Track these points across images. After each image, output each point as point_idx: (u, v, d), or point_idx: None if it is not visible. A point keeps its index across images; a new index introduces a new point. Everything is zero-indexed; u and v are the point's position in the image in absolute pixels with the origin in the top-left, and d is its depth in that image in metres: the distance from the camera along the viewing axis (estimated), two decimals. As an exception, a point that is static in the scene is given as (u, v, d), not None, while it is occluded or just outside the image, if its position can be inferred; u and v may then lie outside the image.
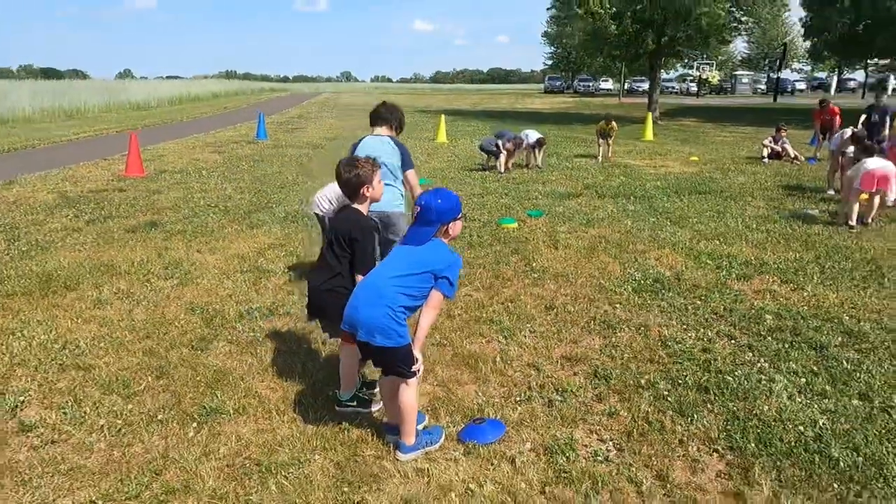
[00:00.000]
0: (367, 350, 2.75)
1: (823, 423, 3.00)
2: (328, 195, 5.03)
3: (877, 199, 7.02)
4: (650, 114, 15.73)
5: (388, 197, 4.03)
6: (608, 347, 3.93)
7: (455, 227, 2.81)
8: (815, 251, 6.03)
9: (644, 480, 2.61)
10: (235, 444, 2.94)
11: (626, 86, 53.05)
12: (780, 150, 12.53)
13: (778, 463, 2.71)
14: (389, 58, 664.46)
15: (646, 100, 25.44)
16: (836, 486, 2.56)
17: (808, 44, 34.57)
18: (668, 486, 2.58)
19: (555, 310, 4.56)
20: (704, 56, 36.84)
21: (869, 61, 32.00)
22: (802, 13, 28.19)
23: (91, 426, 3.07)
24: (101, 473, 2.70)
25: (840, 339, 3.99)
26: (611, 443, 2.91)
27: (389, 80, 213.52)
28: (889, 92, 44.82)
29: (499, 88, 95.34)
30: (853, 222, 6.90)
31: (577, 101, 41.32)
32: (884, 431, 2.94)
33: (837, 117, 12.37)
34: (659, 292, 4.90)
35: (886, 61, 24.68)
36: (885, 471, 2.63)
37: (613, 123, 12.74)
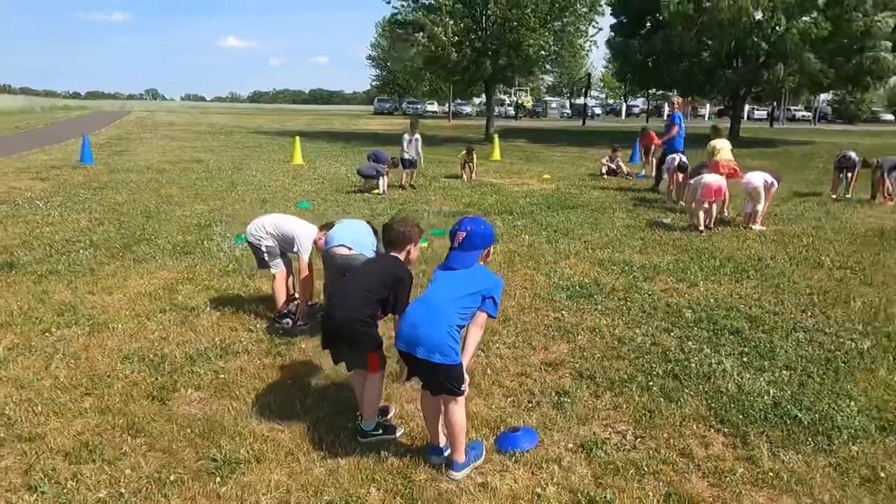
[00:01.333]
0: (422, 368, 2.79)
1: (774, 392, 3.65)
2: (265, 226, 4.82)
3: (714, 207, 8.45)
4: (496, 135, 17.01)
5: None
6: (577, 350, 4.30)
7: (491, 252, 3.00)
8: (687, 253, 7.09)
9: (675, 460, 2.98)
10: (276, 491, 2.75)
11: (452, 108, 55.91)
12: (615, 167, 14.34)
13: (762, 428, 3.25)
14: (200, 76, 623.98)
15: (470, 122, 27.19)
16: (809, 440, 3.15)
17: (610, 73, 39.85)
18: (695, 460, 2.98)
19: (511, 320, 4.84)
20: (520, 83, 40.57)
21: (659, 91, 37.96)
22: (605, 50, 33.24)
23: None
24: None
25: (747, 324, 4.82)
26: (629, 433, 3.24)
27: (203, 99, 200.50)
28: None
29: (328, 109, 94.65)
30: (701, 227, 8.22)
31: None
32: (818, 392, 3.66)
33: (655, 139, 14.49)
34: (590, 297, 5.43)
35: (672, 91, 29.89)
36: (836, 421, 3.30)
37: (474, 154, 13.68)
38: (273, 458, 3.00)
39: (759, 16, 21.98)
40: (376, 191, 11.37)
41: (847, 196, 11.10)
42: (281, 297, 4.85)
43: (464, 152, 13.68)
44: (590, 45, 24.64)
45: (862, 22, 21.45)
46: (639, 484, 2.79)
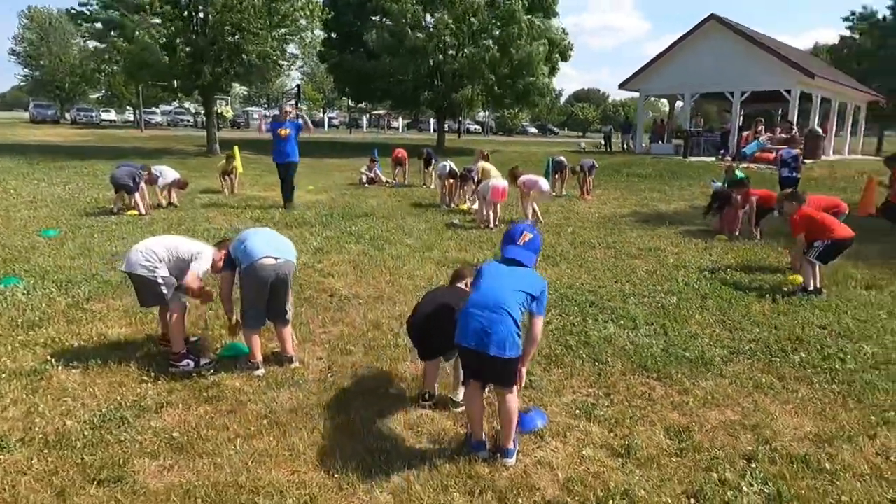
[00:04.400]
0: (488, 364, 2.94)
1: (656, 342, 4.71)
2: (156, 252, 4.09)
3: (499, 206, 9.81)
4: (237, 146, 16.00)
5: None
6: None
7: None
8: (497, 248, 8.14)
9: (645, 405, 3.71)
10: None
11: (141, 117, 49.62)
12: (374, 176, 15.07)
13: (673, 368, 4.22)
14: None
15: (165, 132, 24.98)
16: (703, 370, 4.24)
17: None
18: (656, 400, 3.76)
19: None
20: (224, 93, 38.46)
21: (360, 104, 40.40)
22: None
23: None
24: None
25: (593, 297, 5.93)
26: (599, 394, 3.87)
27: None
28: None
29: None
30: (493, 225, 9.46)
31: (94, 133, 36.52)
32: (680, 336, 4.84)
33: (404, 154, 15.62)
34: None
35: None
36: (705, 356, 4.47)
37: (234, 163, 12.91)
38: (330, 499, 2.76)
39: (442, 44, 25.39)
40: (132, 211, 9.86)
41: (564, 193, 13.86)
42: (180, 336, 4.14)
43: (223, 161, 12.77)
44: (304, 56, 24.90)
45: (524, 50, 26.47)
46: (640, 426, 3.44)
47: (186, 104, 55.73)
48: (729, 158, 20.71)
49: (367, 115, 62.93)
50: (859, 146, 30.96)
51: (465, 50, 25.71)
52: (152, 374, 3.98)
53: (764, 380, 4.07)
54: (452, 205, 11.86)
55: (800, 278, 6.58)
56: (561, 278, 6.61)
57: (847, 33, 39.14)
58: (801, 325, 5.17)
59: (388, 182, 15.14)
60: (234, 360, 4.22)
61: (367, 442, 3.24)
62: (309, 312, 5.26)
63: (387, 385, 3.95)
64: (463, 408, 3.55)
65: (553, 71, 28.77)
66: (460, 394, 3.59)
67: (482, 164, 11.28)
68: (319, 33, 28.22)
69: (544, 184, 10.09)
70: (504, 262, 3.17)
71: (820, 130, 23.00)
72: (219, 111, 52.87)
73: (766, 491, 2.85)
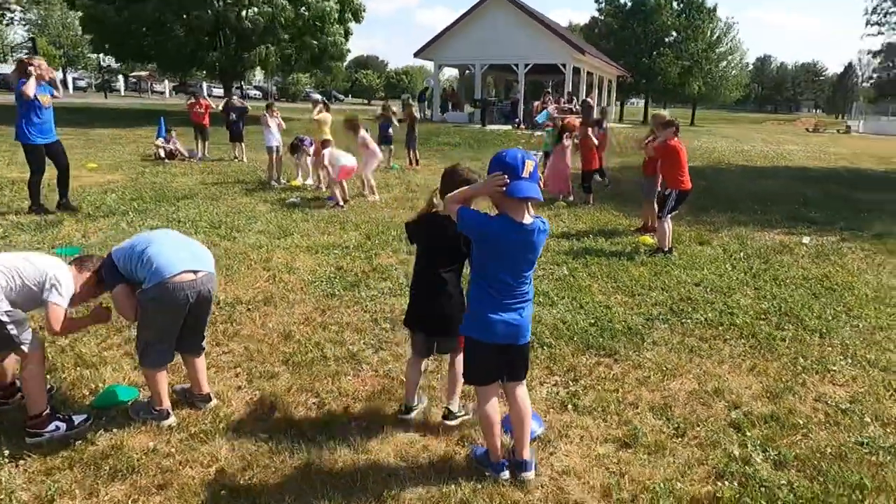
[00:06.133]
0: (516, 356, 2.71)
1: (586, 319, 4.75)
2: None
3: (346, 184, 9.14)
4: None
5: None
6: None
7: None
8: (359, 229, 7.55)
9: (617, 379, 3.68)
10: None
11: None
12: (174, 150, 12.99)
13: (617, 343, 4.28)
14: None
15: None
16: (641, 341, 4.38)
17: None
18: (620, 375, 3.76)
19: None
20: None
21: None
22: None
23: None
24: None
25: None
26: (571, 378, 3.74)
27: None
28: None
29: None
30: (342, 203, 8.78)
31: None
32: (602, 312, 4.95)
33: (207, 116, 13.74)
34: (364, 282, 5.35)
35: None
36: (634, 328, 4.64)
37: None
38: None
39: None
40: None
41: (393, 166, 13.53)
42: (41, 391, 2.97)
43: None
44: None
45: (316, 7, 25.03)
46: (627, 411, 3.39)
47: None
48: (523, 126, 22.35)
49: (124, 77, 54.52)
50: (612, 115, 35.93)
51: (254, 6, 23.35)
52: (4, 455, 2.79)
53: (691, 343, 4.35)
54: (283, 181, 10.79)
55: (649, 239, 7.28)
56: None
57: (597, 14, 44.67)
58: (681, 284, 5.68)
59: (191, 157, 13.20)
60: (119, 410, 3.18)
61: (361, 485, 2.66)
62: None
63: (342, 409, 3.32)
64: (460, 420, 3.14)
65: (347, 34, 27.82)
66: (456, 403, 3.17)
67: (322, 115, 10.37)
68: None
69: (377, 147, 9.87)
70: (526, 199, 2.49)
71: (591, 101, 26.03)
72: None
73: (772, 457, 3.00)
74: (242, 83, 46.73)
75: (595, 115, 13.57)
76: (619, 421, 3.29)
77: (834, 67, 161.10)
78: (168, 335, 3.05)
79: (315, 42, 25.98)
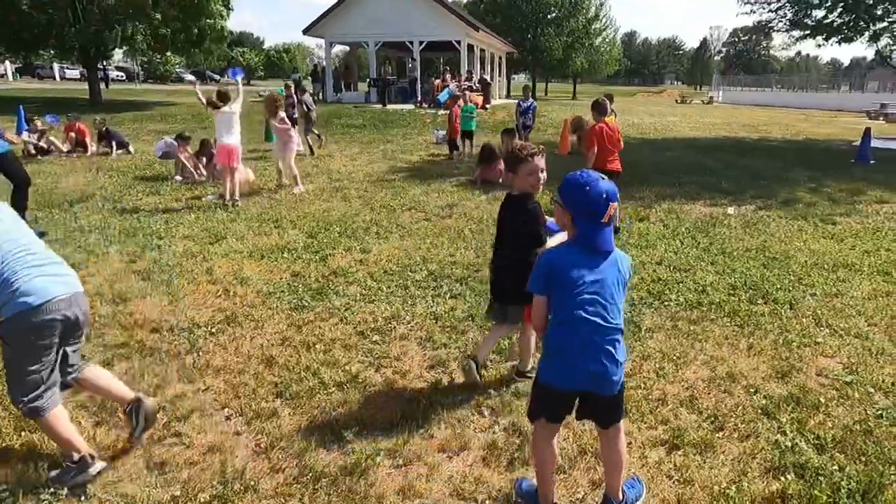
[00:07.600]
0: (599, 405, 2.36)
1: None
2: None
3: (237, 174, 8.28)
4: None
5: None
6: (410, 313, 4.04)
7: None
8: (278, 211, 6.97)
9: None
10: None
11: None
12: (47, 146, 11.31)
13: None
14: None
15: None
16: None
17: None
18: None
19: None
20: None
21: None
22: None
23: None
24: None
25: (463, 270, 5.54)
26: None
27: None
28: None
29: None
30: (228, 199, 7.88)
31: None
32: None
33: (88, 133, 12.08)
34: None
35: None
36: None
37: None
38: None
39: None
40: None
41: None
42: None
43: None
44: None
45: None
46: (659, 407, 3.30)
47: None
48: (426, 105, 22.02)
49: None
50: (504, 91, 36.56)
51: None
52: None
53: (685, 328, 4.37)
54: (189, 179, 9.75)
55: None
56: (397, 254, 5.98)
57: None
58: (644, 265, 5.74)
59: (70, 151, 11.57)
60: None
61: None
62: (156, 368, 3.59)
63: (368, 445, 2.94)
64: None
65: (228, 10, 25.77)
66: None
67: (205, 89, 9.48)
68: None
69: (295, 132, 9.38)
70: (590, 252, 2.25)
71: (488, 78, 26.20)
72: None
73: (812, 440, 3.03)
74: (105, 63, 42.10)
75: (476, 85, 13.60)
76: (657, 420, 3.20)
77: (691, 42, 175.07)
78: (50, 371, 2.50)
79: (195, 25, 23.83)
